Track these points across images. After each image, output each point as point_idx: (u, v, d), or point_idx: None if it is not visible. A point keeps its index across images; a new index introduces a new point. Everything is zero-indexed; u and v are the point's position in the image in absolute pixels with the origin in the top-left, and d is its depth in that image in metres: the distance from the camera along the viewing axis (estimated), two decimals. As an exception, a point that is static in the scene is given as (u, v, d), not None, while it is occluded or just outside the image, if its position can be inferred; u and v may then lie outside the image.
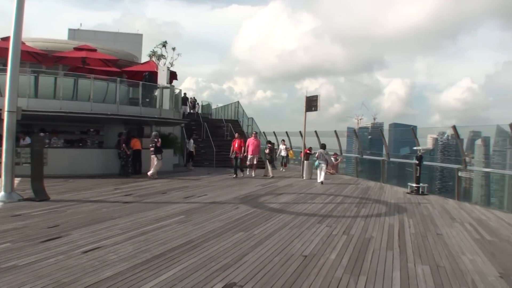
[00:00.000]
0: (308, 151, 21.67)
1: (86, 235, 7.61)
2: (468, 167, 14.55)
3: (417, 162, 15.89)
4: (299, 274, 5.89)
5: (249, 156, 20.72)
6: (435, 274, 6.10)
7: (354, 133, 19.55)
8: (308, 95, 20.24)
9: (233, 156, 20.24)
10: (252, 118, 30.92)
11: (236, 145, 20.25)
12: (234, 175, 19.82)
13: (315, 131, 24.91)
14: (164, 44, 27.65)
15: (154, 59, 27.91)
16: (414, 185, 15.93)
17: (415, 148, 16.43)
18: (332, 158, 23.78)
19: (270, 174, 20.79)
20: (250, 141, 21.09)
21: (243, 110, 32.44)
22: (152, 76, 22.33)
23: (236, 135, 21.20)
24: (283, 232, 8.48)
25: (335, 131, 22.71)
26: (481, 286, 5.68)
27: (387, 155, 19.91)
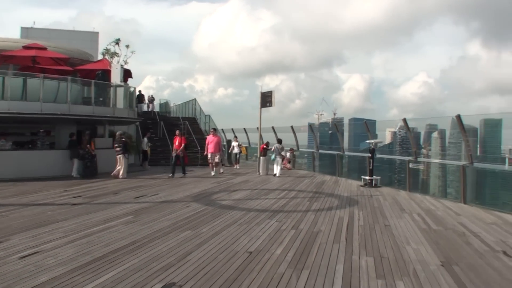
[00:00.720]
0: (265, 146, 21.62)
1: (26, 239, 7.26)
2: (419, 159, 14.76)
3: (369, 155, 16.05)
4: (241, 271, 5.77)
5: (209, 155, 19.56)
6: (378, 265, 6.10)
7: (310, 128, 19.43)
8: (263, 91, 20.14)
9: (174, 154, 18.81)
10: (209, 115, 30.66)
11: (176, 143, 18.85)
12: (170, 175, 18.40)
13: (272, 127, 24.87)
14: (117, 42, 27.06)
15: (107, 57, 27.27)
16: (367, 178, 16.09)
17: (367, 141, 16.60)
18: (288, 153, 23.87)
19: (221, 170, 20.87)
20: (209, 138, 19.98)
21: (200, 108, 32.17)
22: (105, 74, 21.81)
23: (177, 132, 19.44)
24: (231, 229, 8.35)
25: (292, 127, 22.72)
26: (422, 275, 5.69)
27: (341, 149, 20.05)
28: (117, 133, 18.86)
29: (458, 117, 12.06)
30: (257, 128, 23.73)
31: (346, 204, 11.77)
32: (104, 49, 26.59)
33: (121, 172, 17.68)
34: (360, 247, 7.11)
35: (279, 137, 22.87)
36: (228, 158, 26.55)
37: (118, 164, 17.82)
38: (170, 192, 13.63)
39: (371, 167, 15.98)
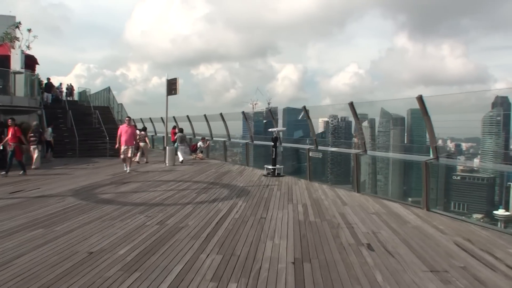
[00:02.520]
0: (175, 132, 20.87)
1: None
2: (319, 148, 14.46)
3: (272, 144, 15.63)
4: (65, 275, 5.11)
5: (123, 147, 16.31)
6: (222, 265, 5.50)
7: (243, 116, 18.54)
8: (169, 78, 19.21)
9: (10, 148, 15.16)
10: (121, 104, 29.44)
11: (9, 135, 15.29)
12: (3, 172, 14.83)
13: (205, 115, 23.48)
14: (17, 25, 25.17)
15: (7, 41, 25.30)
16: (270, 167, 15.66)
17: (270, 130, 16.14)
18: (201, 143, 23.19)
19: (137, 159, 20.15)
20: (123, 129, 16.51)
21: (114, 96, 30.77)
22: (4, 60, 20.27)
23: (9, 121, 15.62)
24: (90, 226, 7.55)
25: (221, 114, 21.32)
26: (264, 275, 5.15)
27: (250, 138, 19.54)
28: (34, 124, 17.99)
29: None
30: (187, 116, 22.97)
31: (235, 196, 11.18)
32: (3, 32, 24.62)
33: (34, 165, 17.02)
34: (216, 244, 6.50)
35: (193, 127, 22.18)
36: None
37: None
38: (54, 186, 12.56)
39: (274, 156, 15.55)
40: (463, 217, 8.56)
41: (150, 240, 6.67)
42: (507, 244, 6.82)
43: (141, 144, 20.93)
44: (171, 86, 18.86)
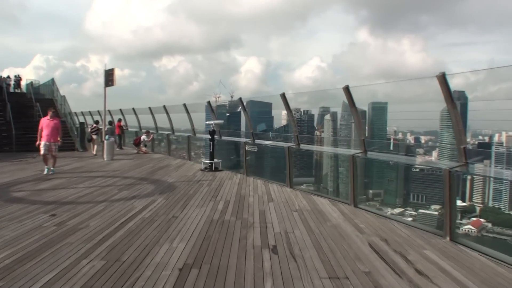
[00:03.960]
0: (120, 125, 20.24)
1: None
2: (256, 141, 14.05)
3: (209, 137, 15.15)
4: None
5: (43, 144, 13.90)
6: (99, 272, 4.94)
7: (209, 105, 17.24)
8: (106, 69, 18.42)
9: None
10: (64, 96, 28.31)
11: None
12: None
13: (164, 106, 21.78)
14: None
15: None
16: (207, 161, 15.18)
17: (206, 122, 15.64)
18: (144, 136, 22.53)
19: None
20: (44, 122, 14.11)
21: (58, 88, 29.57)
22: None
23: None
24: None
25: (184, 105, 19.89)
26: (140, 284, 4.68)
27: (192, 131, 18.96)
28: None
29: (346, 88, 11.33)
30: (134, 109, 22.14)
31: (158, 192, 10.59)
32: None
33: None
34: (106, 249, 5.90)
35: (139, 119, 21.52)
36: (82, 143, 24.63)
37: None
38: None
39: (211, 150, 15.08)
40: (389, 213, 8.27)
41: (37, 244, 6.09)
42: (425, 244, 6.51)
43: (94, 136, 21.59)
44: (109, 77, 18.07)
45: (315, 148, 12.82)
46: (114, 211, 8.40)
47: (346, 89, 9.23)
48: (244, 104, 14.11)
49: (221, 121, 16.02)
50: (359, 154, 9.42)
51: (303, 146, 12.12)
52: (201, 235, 6.76)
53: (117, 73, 18.54)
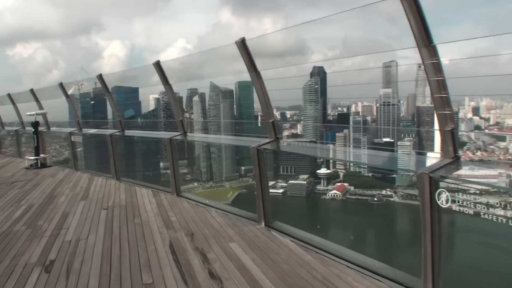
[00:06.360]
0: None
1: None
2: (84, 130, 12.62)
3: (33, 130, 13.31)
4: None
5: None
6: None
7: (61, 88, 13.24)
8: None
9: None
10: None
11: None
12: None
13: (8, 94, 17.82)
14: None
15: None
16: (32, 158, 13.36)
17: (28, 114, 13.70)
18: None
19: None
20: None
21: None
22: None
23: None
24: None
25: (31, 90, 15.14)
26: None
27: (21, 124, 16.73)
28: None
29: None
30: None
31: None
32: None
33: None
34: None
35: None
36: None
37: None
38: None
39: (36, 144, 13.26)
40: (207, 201, 7.42)
41: None
42: (235, 234, 5.82)
43: None
44: None
45: (135, 133, 11.64)
46: None
47: (157, 65, 8.31)
48: (109, 89, 11.65)
49: (45, 111, 13.98)
50: (178, 137, 8.53)
51: (129, 132, 10.98)
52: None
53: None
